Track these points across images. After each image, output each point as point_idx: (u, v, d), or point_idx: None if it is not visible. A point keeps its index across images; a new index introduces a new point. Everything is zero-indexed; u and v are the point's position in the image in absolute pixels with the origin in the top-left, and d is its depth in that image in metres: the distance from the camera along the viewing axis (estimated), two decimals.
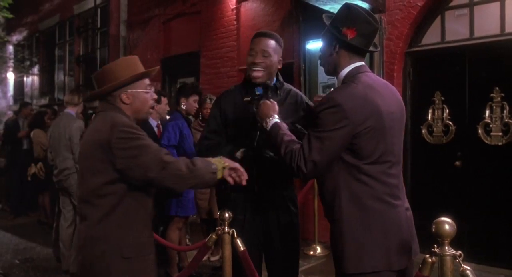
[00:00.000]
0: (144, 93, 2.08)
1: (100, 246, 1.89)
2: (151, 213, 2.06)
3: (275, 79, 2.60)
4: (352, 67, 2.01)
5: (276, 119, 2.11)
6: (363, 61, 2.05)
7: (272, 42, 2.52)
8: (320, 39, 2.12)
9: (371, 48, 2.06)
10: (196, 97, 4.40)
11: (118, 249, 1.89)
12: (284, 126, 2.09)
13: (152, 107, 2.18)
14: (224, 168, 1.98)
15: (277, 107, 2.17)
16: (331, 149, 1.87)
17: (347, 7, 2.01)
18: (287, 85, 2.66)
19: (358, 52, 2.03)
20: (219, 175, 1.96)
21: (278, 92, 2.55)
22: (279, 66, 2.58)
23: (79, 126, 4.60)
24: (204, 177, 1.94)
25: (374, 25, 2.00)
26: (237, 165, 2.02)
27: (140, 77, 2.06)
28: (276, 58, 2.53)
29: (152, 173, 1.86)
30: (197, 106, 4.46)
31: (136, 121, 2.09)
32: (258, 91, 2.37)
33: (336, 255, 1.94)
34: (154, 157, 1.87)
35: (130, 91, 2.03)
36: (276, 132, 2.05)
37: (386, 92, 1.99)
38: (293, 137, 2.01)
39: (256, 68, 2.47)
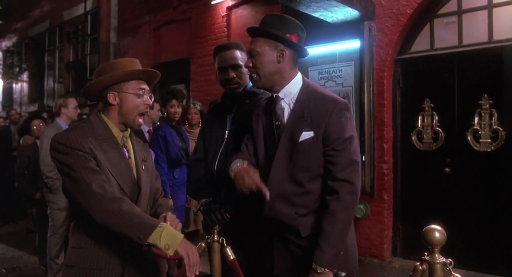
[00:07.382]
0: (134, 95, 1.85)
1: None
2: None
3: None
4: (301, 77, 2.00)
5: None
6: None
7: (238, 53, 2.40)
8: (252, 50, 1.98)
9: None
10: (172, 102, 4.17)
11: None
12: None
13: (143, 114, 1.91)
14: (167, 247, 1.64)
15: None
16: None
17: (279, 16, 2.01)
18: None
19: (298, 59, 2.01)
20: (151, 242, 1.63)
21: (247, 101, 2.38)
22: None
23: None
24: (126, 230, 1.65)
25: (305, 32, 2.00)
26: (188, 255, 1.68)
27: (129, 76, 1.84)
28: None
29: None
30: (176, 110, 4.19)
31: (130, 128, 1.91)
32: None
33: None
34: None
35: (118, 91, 1.83)
36: None
37: None
38: None
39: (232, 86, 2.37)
